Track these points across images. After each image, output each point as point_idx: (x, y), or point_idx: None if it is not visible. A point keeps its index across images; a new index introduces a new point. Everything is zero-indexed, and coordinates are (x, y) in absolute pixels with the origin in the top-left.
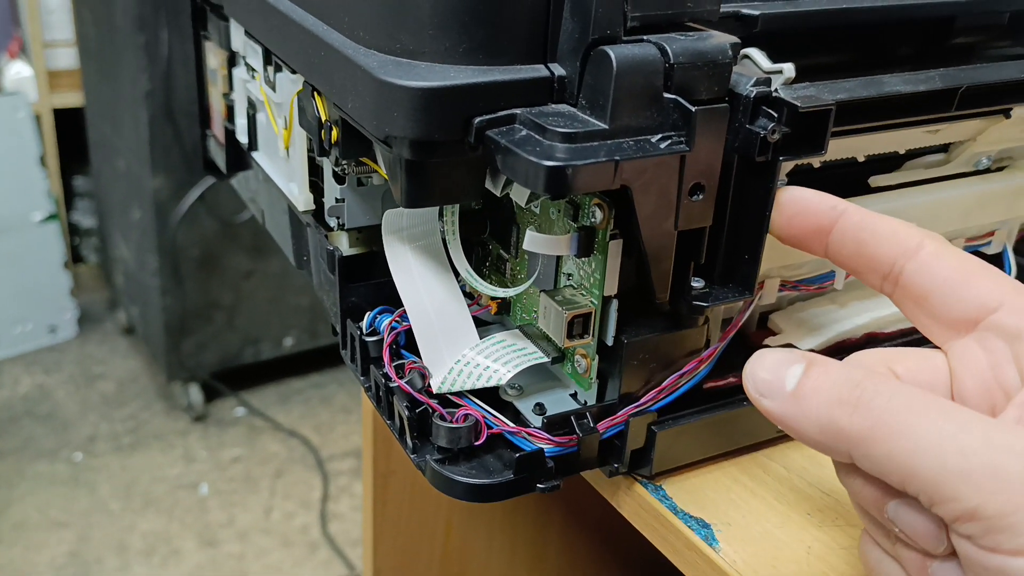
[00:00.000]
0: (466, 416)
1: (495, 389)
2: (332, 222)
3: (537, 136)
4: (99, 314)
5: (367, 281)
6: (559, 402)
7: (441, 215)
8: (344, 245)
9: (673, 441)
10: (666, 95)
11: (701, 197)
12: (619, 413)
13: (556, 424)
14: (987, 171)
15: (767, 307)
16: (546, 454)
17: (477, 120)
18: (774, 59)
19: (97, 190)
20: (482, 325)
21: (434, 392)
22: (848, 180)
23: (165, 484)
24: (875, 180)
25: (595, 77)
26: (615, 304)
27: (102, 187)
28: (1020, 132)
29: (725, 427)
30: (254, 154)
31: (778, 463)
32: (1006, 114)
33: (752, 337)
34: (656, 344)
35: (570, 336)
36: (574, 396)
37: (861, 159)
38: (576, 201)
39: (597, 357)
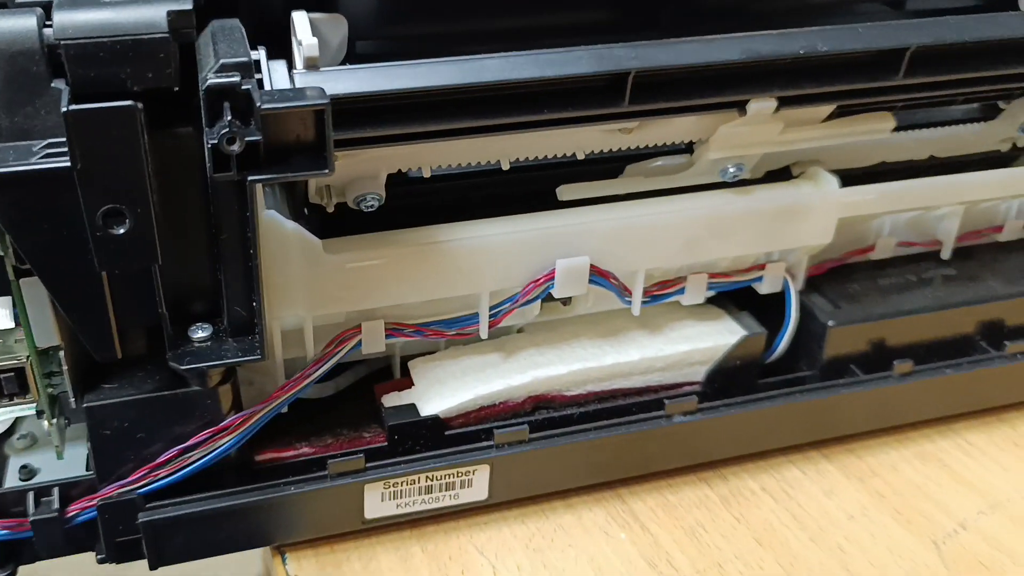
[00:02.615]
0: None
1: None
2: None
3: None
4: None
5: None
6: (60, 467)
7: None
8: None
9: (184, 530)
10: (55, 85)
11: (126, 229)
12: (97, 494)
13: (5, 502)
14: (750, 183)
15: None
16: None
17: None
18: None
19: None
20: None
21: None
22: (532, 190)
23: None
24: (563, 191)
25: None
26: (60, 357)
27: None
28: (768, 133)
29: (286, 513)
30: None
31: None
32: (740, 109)
33: (376, 389)
34: (138, 409)
35: None
36: None
37: (506, 167)
38: None
39: (56, 422)
